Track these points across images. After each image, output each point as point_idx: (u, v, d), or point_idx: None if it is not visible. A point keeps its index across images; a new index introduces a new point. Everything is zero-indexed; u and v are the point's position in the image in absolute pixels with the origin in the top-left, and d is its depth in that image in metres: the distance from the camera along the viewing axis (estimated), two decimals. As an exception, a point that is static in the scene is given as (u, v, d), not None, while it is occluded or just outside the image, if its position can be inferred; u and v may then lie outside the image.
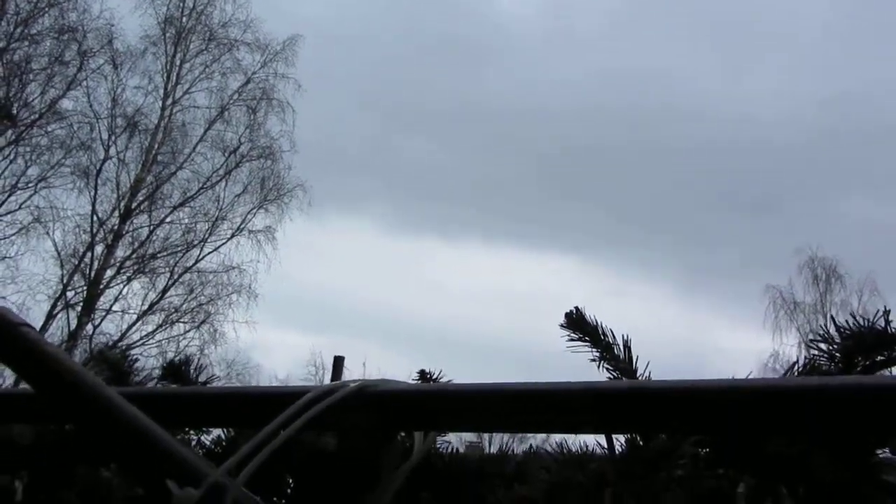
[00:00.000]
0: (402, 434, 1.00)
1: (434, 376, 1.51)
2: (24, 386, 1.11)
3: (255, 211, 16.52)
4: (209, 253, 16.22)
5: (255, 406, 0.97)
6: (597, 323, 1.43)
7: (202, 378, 1.64)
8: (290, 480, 1.24)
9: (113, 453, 1.06)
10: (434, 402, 0.88)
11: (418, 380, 1.52)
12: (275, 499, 1.21)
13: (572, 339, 1.42)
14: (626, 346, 1.43)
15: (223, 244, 16.31)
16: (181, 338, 15.56)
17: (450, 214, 28.80)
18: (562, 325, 1.43)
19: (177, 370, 1.55)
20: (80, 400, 0.96)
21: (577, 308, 1.43)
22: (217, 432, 1.67)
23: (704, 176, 26.91)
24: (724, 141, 26.33)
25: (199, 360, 1.62)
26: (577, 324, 1.42)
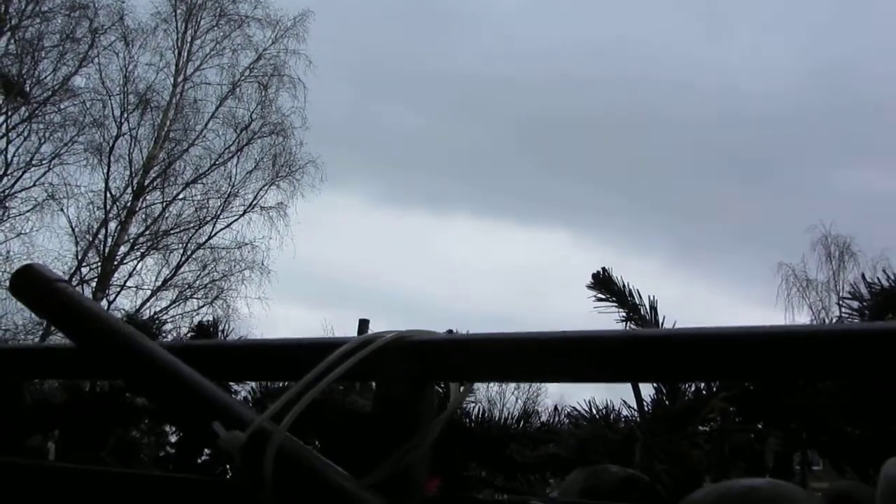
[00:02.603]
0: (440, 383, 1.01)
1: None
2: (62, 341, 1.12)
3: (266, 187, 16.55)
4: (222, 229, 16.30)
5: (293, 357, 0.98)
6: (624, 284, 1.44)
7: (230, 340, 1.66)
8: (325, 434, 1.26)
9: (158, 401, 1.08)
10: (472, 351, 0.89)
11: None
12: (316, 442, 1.22)
13: (600, 299, 1.42)
14: (653, 307, 1.44)
15: (235, 220, 16.38)
16: (195, 313, 15.63)
17: (439, 188, 28.60)
18: (589, 286, 1.44)
19: (206, 332, 1.57)
20: (120, 350, 0.98)
21: (603, 269, 1.44)
22: (243, 395, 1.69)
23: (697, 147, 26.56)
24: (716, 111, 25.97)
25: (226, 322, 1.63)
26: (605, 284, 1.42)
